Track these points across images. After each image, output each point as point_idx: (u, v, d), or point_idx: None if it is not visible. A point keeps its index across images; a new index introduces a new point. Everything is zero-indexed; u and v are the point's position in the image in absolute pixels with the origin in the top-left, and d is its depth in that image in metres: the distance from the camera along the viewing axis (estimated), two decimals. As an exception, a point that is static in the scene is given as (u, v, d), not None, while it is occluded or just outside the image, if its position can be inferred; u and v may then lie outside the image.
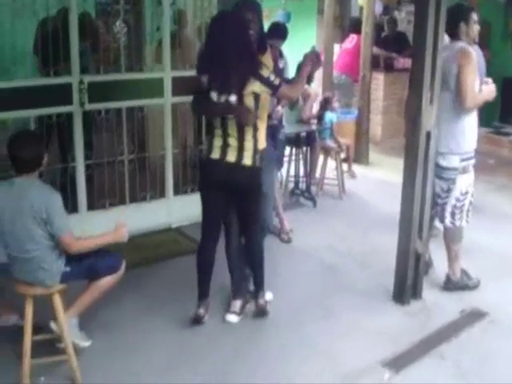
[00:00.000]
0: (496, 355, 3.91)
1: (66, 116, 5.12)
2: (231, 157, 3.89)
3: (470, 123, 4.50)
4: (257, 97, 3.88)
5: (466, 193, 4.54)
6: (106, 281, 3.70)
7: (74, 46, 5.02)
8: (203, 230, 4.19)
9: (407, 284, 4.45)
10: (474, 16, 4.51)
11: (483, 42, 9.37)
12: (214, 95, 3.88)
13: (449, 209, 4.56)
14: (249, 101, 3.85)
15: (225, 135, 3.90)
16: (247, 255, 4.33)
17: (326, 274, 5.01)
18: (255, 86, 3.83)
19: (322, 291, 4.70)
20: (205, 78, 3.93)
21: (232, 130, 3.88)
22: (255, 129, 3.94)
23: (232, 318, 4.27)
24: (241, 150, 3.89)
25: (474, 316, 4.38)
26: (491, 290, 4.73)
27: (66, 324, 3.57)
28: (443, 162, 4.48)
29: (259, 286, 4.33)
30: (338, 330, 4.16)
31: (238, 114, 3.82)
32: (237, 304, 4.34)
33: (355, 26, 9.03)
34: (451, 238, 4.67)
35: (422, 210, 4.37)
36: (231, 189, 3.97)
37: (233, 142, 3.89)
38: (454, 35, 4.48)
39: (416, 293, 4.53)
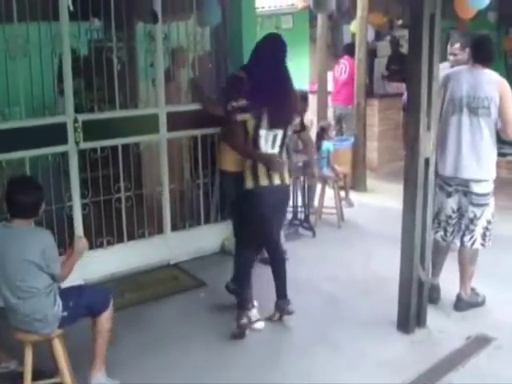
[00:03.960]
0: (504, 382, 3.83)
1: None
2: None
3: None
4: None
5: (494, 215, 4.69)
6: (105, 317, 3.64)
7: (68, 84, 5.04)
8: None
9: (411, 313, 4.39)
10: None
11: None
12: (262, 132, 4.17)
13: (480, 231, 4.66)
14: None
15: None
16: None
17: (329, 305, 4.94)
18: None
19: (327, 322, 4.64)
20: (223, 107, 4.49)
21: None
22: None
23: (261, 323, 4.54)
24: None
25: (480, 342, 4.31)
26: (496, 313, 4.69)
27: (94, 378, 3.61)
28: (479, 189, 4.57)
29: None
30: (344, 362, 4.09)
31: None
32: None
33: (349, 50, 9.08)
34: (472, 259, 4.74)
35: (423, 237, 4.33)
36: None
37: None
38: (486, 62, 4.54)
39: (420, 321, 4.47)
